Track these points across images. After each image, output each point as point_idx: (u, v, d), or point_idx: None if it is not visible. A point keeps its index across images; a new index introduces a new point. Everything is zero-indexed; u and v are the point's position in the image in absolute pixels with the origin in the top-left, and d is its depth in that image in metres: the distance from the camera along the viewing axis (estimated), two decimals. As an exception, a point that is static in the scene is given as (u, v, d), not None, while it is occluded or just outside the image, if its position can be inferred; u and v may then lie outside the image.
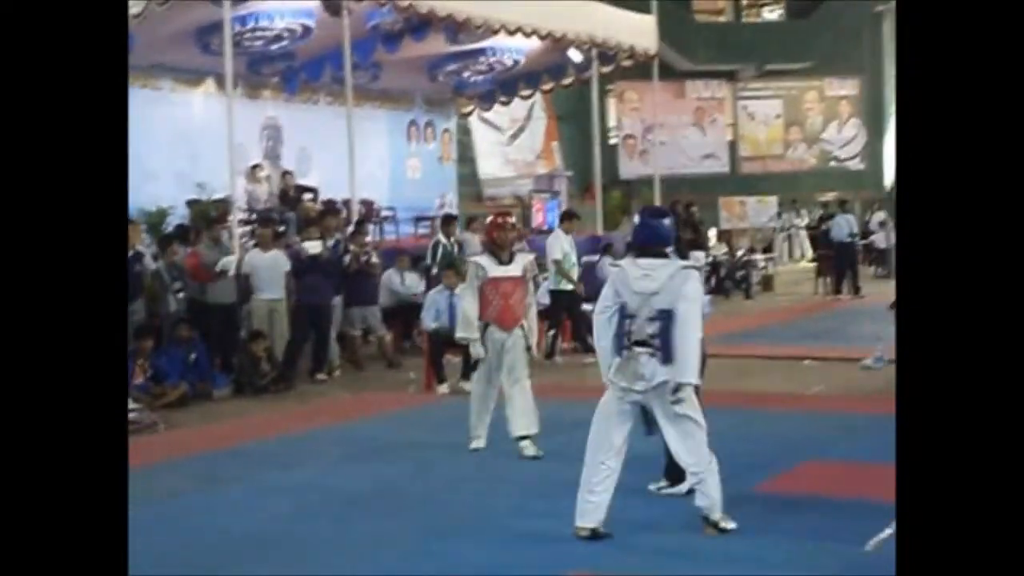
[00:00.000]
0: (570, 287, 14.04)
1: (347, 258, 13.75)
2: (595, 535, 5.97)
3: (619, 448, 6.03)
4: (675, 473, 6.96)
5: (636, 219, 6.43)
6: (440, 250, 14.44)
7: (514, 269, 8.50)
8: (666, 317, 5.87)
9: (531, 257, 8.91)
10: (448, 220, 16.08)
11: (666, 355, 5.85)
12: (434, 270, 14.44)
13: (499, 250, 8.55)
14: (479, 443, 8.59)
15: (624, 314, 5.93)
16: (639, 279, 5.95)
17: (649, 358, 5.90)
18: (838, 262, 22.27)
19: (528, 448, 8.29)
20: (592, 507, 5.99)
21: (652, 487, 7.04)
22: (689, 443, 6.01)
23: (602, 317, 6.05)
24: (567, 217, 15.50)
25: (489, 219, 9.28)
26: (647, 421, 6.14)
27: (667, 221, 6.27)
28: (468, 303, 8.49)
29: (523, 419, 8.32)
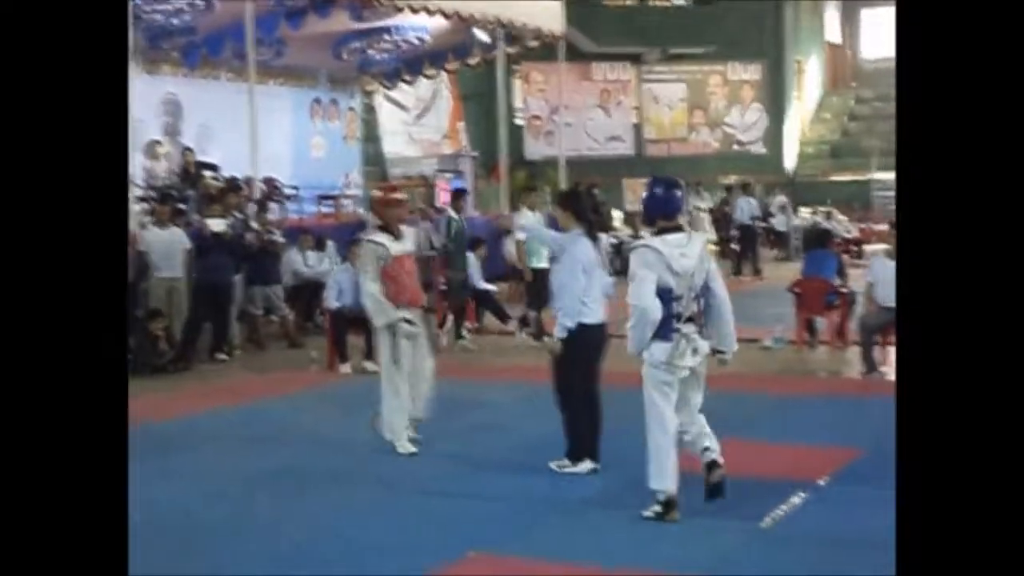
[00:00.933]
0: (542, 265, 12.81)
1: (249, 236, 13.56)
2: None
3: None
4: (578, 452, 7.03)
5: (647, 190, 6.32)
6: (453, 225, 14.13)
7: (408, 244, 8.15)
8: (706, 293, 6.05)
9: (415, 230, 8.64)
10: (458, 194, 15.77)
11: (709, 329, 6.09)
12: (449, 246, 14.16)
13: (393, 226, 8.07)
14: (411, 447, 7.88)
15: (671, 296, 5.90)
16: (678, 259, 5.94)
17: (697, 334, 6.00)
18: (740, 244, 22.60)
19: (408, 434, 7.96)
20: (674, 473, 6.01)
21: (553, 464, 7.08)
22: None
23: (651, 301, 5.87)
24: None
25: (377, 195, 8.79)
26: None
27: (679, 191, 6.22)
28: (374, 287, 7.89)
29: (421, 403, 8.02)
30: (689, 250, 5.98)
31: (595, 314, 7.04)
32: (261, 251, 13.72)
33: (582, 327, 6.96)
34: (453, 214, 14.25)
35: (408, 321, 7.90)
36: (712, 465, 6.12)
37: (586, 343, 7.03)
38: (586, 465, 7.07)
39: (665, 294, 5.90)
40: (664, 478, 5.96)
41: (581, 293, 6.94)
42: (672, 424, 6.00)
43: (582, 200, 7.69)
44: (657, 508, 5.97)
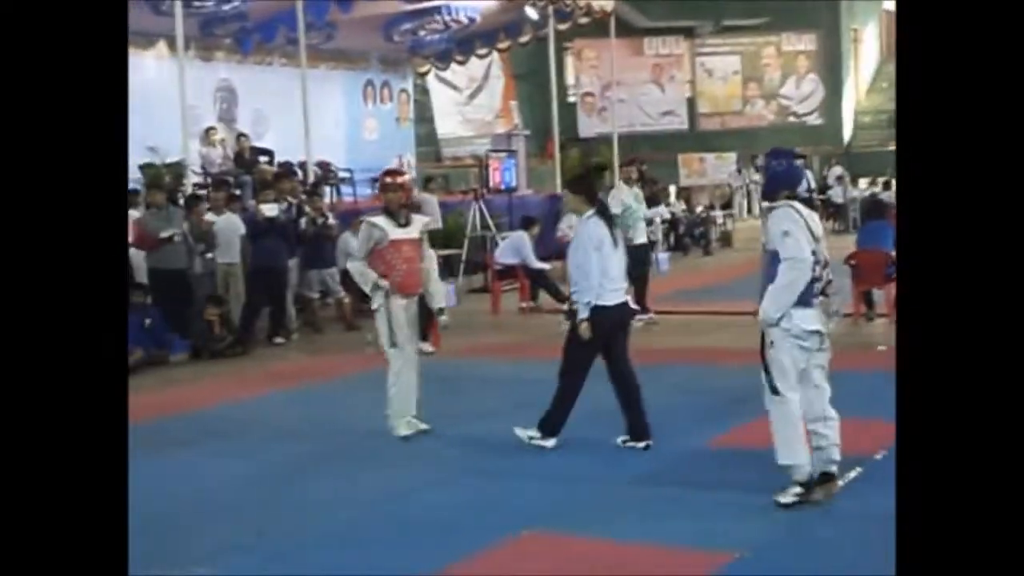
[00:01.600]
0: (640, 240, 12.90)
1: (303, 221, 13.66)
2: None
3: None
4: (640, 430, 7.08)
5: (767, 165, 6.26)
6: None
7: (413, 231, 8.00)
8: (826, 263, 5.95)
9: (427, 219, 8.55)
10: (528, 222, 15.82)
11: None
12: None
13: (394, 212, 7.98)
14: (406, 429, 7.91)
15: (816, 261, 5.82)
16: (815, 225, 5.91)
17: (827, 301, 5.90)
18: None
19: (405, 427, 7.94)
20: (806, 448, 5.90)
21: (619, 440, 7.16)
22: None
23: (807, 268, 5.75)
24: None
25: (379, 179, 8.69)
26: None
27: (800, 163, 6.15)
28: (361, 265, 7.92)
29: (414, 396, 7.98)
30: (815, 221, 5.96)
31: (614, 295, 7.07)
32: (316, 235, 13.81)
33: (598, 308, 6.97)
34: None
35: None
36: (827, 477, 5.93)
37: (600, 324, 7.02)
38: (551, 441, 7.21)
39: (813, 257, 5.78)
40: (796, 452, 5.75)
41: (598, 275, 6.96)
42: (798, 396, 5.85)
43: (592, 183, 7.70)
44: (797, 490, 5.76)
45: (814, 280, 5.77)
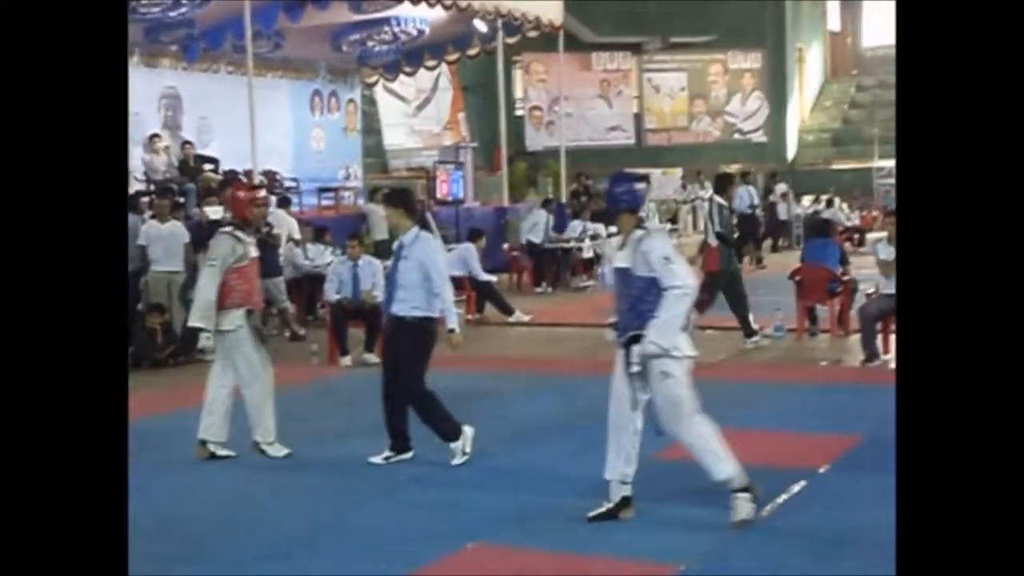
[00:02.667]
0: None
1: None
2: None
3: None
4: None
5: (609, 185, 6.14)
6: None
7: (252, 248, 7.76)
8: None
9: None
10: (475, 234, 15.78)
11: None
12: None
13: (248, 226, 7.75)
14: (227, 450, 7.59)
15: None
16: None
17: None
18: (740, 233, 22.51)
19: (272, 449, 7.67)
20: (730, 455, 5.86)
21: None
22: None
23: (692, 296, 5.72)
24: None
25: (233, 192, 8.47)
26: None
27: (643, 185, 6.06)
28: (211, 286, 7.45)
29: (269, 421, 7.68)
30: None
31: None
32: (261, 244, 13.65)
33: (427, 320, 7.16)
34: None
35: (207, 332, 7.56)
36: (626, 502, 5.93)
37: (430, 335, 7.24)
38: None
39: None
40: (726, 464, 5.71)
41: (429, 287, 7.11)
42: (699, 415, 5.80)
43: (412, 198, 7.81)
44: (747, 497, 5.70)
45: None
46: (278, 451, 7.61)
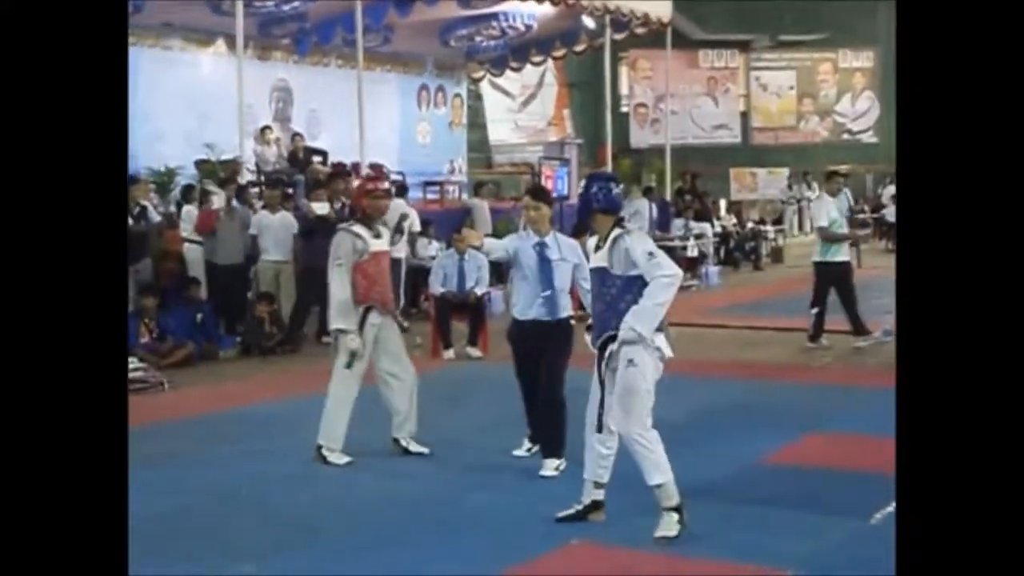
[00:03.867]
0: (841, 258, 12.03)
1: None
2: None
3: None
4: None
5: (585, 186, 6.05)
6: None
7: (385, 242, 7.53)
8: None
9: (387, 228, 7.79)
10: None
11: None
12: None
13: (372, 220, 7.46)
14: (343, 457, 7.33)
15: None
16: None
17: None
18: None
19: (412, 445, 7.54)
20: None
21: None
22: None
23: (677, 286, 5.67)
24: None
25: (357, 184, 8.18)
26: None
27: (618, 187, 5.97)
28: (342, 286, 7.26)
29: (413, 418, 7.58)
30: None
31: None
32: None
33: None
34: None
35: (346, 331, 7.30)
36: (597, 505, 5.88)
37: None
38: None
39: None
40: (665, 473, 5.56)
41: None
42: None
43: (550, 195, 7.54)
44: (673, 516, 5.57)
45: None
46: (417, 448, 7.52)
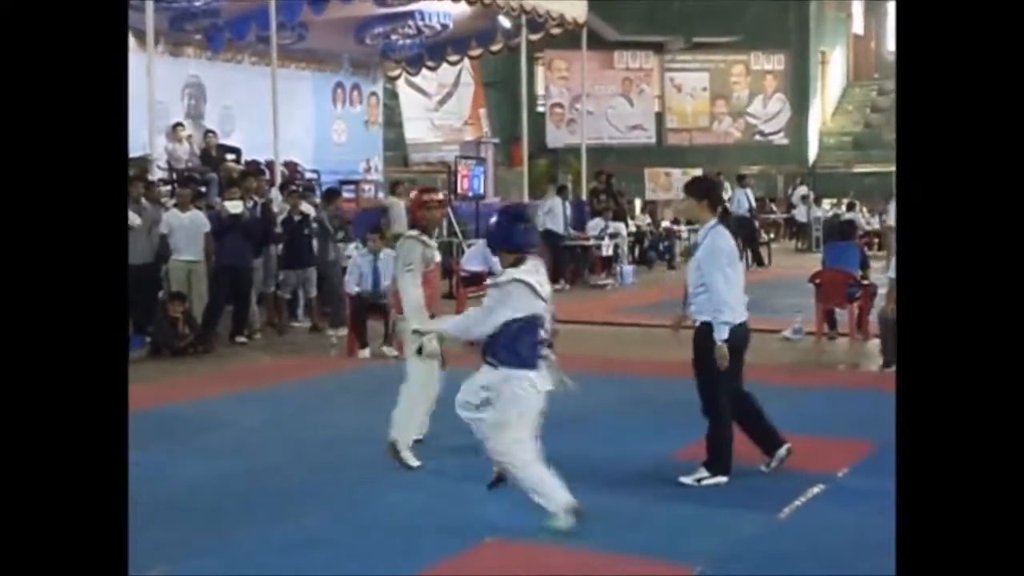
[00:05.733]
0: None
1: (282, 215, 13.68)
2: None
3: None
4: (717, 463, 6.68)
5: (496, 217, 6.02)
6: None
7: (436, 252, 7.59)
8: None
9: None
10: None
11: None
12: None
13: (428, 231, 7.48)
14: (414, 460, 7.13)
15: (539, 323, 5.70)
16: (542, 285, 5.74)
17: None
18: (739, 237, 22.47)
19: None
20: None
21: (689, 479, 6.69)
22: None
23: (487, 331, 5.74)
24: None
25: (413, 194, 8.20)
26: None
27: (528, 223, 5.96)
28: (416, 289, 7.17)
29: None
30: (543, 276, 5.81)
31: (741, 312, 6.60)
32: (293, 235, 13.71)
33: (735, 328, 6.49)
34: None
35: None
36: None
37: (735, 345, 6.53)
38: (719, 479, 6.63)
39: (534, 322, 5.66)
40: (560, 495, 5.57)
41: (727, 291, 6.46)
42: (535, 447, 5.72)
43: (716, 186, 7.26)
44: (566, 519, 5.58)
45: (538, 342, 5.69)
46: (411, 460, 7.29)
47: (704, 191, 6.80)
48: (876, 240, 23.98)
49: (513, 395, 5.65)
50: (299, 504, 6.38)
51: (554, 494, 5.56)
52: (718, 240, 6.54)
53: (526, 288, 5.64)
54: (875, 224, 26.16)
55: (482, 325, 5.73)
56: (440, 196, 7.83)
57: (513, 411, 5.67)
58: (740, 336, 6.56)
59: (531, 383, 5.64)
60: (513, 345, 5.64)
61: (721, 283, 6.42)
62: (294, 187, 14.77)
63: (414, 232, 7.40)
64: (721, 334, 6.40)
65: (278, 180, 15.33)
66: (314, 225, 13.88)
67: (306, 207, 14.07)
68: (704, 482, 6.55)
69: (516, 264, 5.74)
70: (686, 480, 6.55)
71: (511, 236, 5.84)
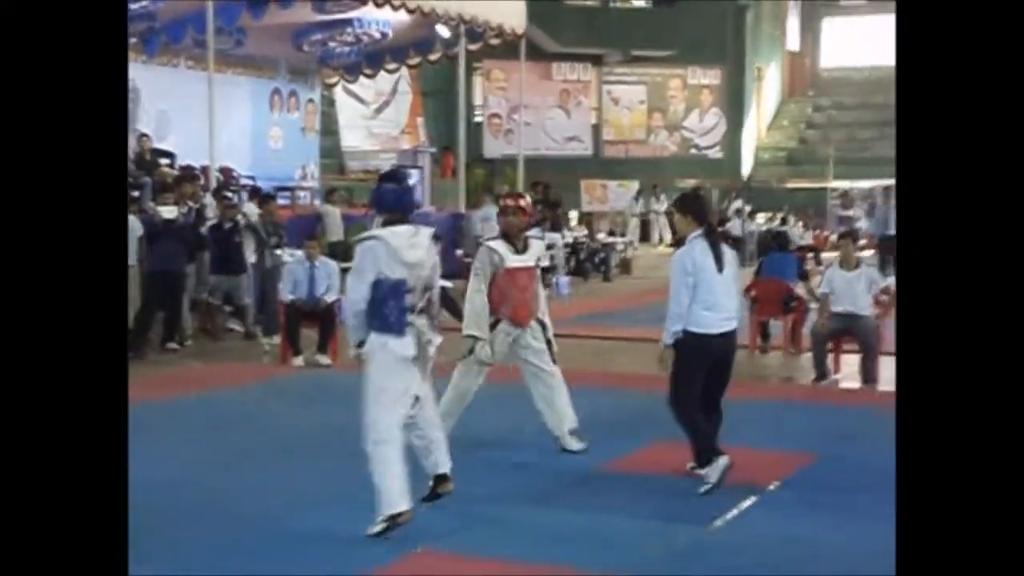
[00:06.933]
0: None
1: (213, 221, 13.54)
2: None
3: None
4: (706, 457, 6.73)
5: (378, 183, 6.15)
6: None
7: (529, 258, 7.59)
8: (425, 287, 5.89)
9: (543, 243, 8.05)
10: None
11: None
12: None
13: (512, 237, 7.58)
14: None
15: (404, 288, 5.72)
16: (408, 250, 5.76)
17: (429, 327, 5.86)
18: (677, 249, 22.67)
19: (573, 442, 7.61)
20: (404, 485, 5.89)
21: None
22: None
23: (362, 295, 5.76)
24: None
25: (499, 202, 8.27)
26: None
27: (411, 188, 6.07)
28: (481, 297, 7.38)
29: (569, 411, 7.66)
30: (417, 241, 5.85)
31: (718, 323, 6.69)
32: (225, 240, 13.58)
33: (696, 336, 6.61)
34: None
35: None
36: (442, 479, 6.05)
37: (701, 352, 6.66)
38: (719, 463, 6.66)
39: (398, 286, 5.71)
40: (390, 500, 5.65)
41: (687, 301, 6.59)
42: (398, 430, 5.80)
43: (703, 201, 7.51)
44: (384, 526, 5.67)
45: (404, 308, 5.73)
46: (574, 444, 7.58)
47: (688, 207, 6.98)
48: (811, 253, 24.24)
49: (374, 369, 5.74)
50: (227, 513, 6.31)
51: (386, 495, 5.63)
52: (685, 251, 6.72)
53: (385, 248, 5.69)
54: (807, 239, 26.51)
55: (355, 291, 5.76)
56: (523, 202, 7.83)
57: (372, 387, 5.76)
58: (716, 347, 6.71)
59: (391, 349, 5.68)
60: (380, 309, 5.70)
61: (675, 292, 6.62)
62: (226, 193, 14.63)
63: (493, 241, 7.63)
64: (665, 338, 6.65)
65: (212, 185, 15.18)
66: (246, 231, 13.75)
67: (249, 209, 13.96)
68: (707, 472, 6.61)
69: (388, 224, 5.80)
70: (700, 471, 6.63)
71: (382, 197, 5.97)
